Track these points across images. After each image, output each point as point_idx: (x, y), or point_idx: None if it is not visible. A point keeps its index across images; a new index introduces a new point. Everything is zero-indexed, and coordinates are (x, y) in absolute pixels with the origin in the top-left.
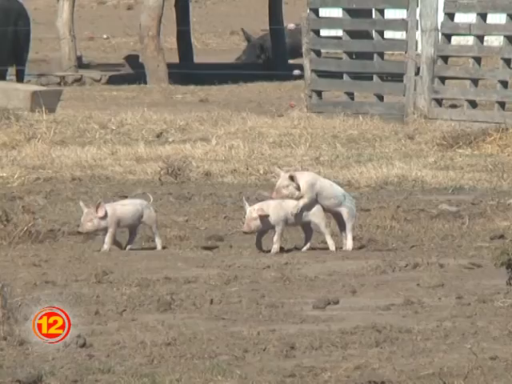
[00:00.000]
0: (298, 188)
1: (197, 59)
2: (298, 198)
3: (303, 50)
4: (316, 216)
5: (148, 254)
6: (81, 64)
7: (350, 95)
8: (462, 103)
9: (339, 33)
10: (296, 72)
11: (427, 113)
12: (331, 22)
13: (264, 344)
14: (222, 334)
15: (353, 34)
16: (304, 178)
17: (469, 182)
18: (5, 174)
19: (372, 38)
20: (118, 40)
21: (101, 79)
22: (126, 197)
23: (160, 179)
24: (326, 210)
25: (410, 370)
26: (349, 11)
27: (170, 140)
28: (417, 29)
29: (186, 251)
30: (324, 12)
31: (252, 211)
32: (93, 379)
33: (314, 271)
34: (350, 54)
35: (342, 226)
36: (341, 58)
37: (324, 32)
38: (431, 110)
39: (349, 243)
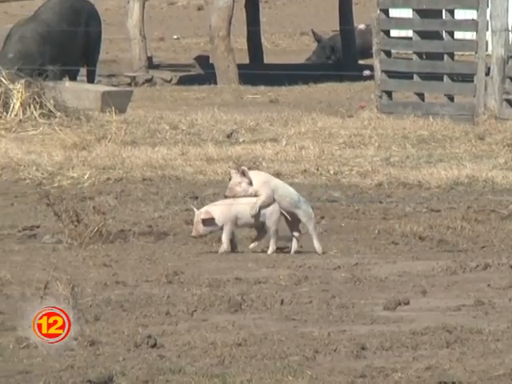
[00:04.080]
0: (251, 183)
1: (267, 60)
2: (251, 195)
3: (373, 50)
4: (269, 219)
5: (219, 254)
6: (151, 64)
7: (421, 96)
8: None
9: (409, 33)
10: (366, 72)
11: (498, 113)
12: (401, 23)
13: (334, 344)
14: (293, 334)
15: (423, 35)
16: (257, 177)
17: None
18: (75, 175)
19: (442, 38)
20: (189, 40)
21: (171, 80)
22: (196, 197)
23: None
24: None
25: (481, 370)
26: (419, 12)
27: (241, 140)
28: (487, 29)
29: (257, 252)
30: (394, 12)
31: (198, 215)
32: (164, 379)
33: (385, 272)
34: (420, 55)
35: (293, 228)
36: (411, 59)
37: (394, 32)
38: (502, 110)
39: (317, 245)
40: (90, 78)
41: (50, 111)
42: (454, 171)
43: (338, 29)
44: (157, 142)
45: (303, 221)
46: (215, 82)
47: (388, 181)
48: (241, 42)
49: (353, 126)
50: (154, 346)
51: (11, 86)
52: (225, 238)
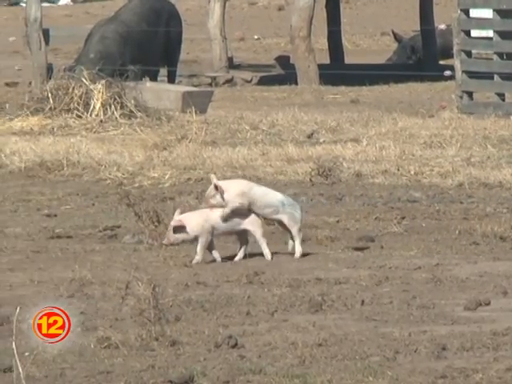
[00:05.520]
0: (222, 195)
1: (347, 60)
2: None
3: (454, 50)
4: (252, 224)
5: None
6: (232, 65)
7: (501, 96)
8: None
9: (490, 33)
10: (447, 73)
11: None
12: (481, 23)
13: (415, 345)
14: (373, 334)
15: (503, 35)
16: (232, 188)
17: None
18: (156, 175)
19: None
20: (269, 41)
21: (252, 80)
22: None
23: (311, 180)
24: (266, 218)
25: None
26: (499, 12)
27: (321, 141)
28: None
29: (337, 252)
30: (474, 13)
31: (172, 222)
32: (244, 380)
33: (465, 272)
34: (500, 55)
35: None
36: (491, 59)
37: (475, 33)
38: None
39: (297, 249)
40: (171, 79)
41: (131, 111)
42: None
43: (419, 29)
44: (237, 142)
45: (287, 225)
46: (296, 83)
47: (469, 181)
48: (321, 42)
49: (433, 127)
50: (235, 346)
51: (92, 87)
52: (199, 249)
